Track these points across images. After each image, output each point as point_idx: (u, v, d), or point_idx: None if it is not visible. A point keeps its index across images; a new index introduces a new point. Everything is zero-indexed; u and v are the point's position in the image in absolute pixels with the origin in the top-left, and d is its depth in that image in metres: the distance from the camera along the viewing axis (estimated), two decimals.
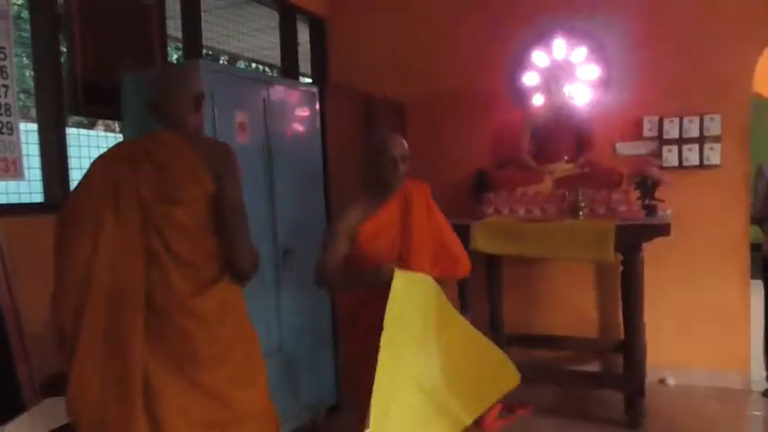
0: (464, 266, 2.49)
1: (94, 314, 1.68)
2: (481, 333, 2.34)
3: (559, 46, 4.06)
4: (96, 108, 3.04)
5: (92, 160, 1.84)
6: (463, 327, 2.30)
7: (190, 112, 1.87)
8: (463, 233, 3.36)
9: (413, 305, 2.08)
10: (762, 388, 3.78)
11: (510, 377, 2.34)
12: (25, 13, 2.93)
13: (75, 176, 2.95)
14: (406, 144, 2.34)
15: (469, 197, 4.01)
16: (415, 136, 4.45)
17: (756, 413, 3.57)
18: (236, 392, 1.80)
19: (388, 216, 2.28)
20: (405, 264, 2.22)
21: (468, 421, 2.23)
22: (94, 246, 1.69)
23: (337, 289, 2.41)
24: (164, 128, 1.86)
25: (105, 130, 5.41)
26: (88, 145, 3.15)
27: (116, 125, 4.48)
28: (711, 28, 3.79)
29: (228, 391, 1.79)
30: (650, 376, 3.80)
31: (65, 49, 2.87)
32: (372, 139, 2.39)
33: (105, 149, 1.88)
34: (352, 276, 2.23)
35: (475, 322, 2.46)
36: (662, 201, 3.57)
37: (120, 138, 3.06)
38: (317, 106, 3.46)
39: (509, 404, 3.55)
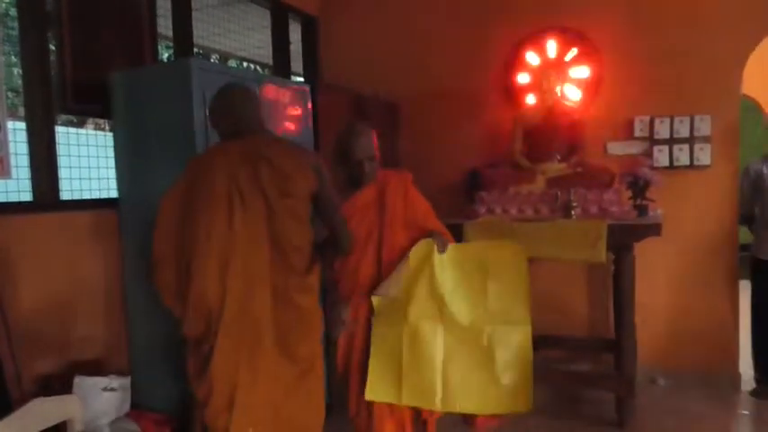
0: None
1: (233, 295, 1.94)
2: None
3: (551, 46, 4.07)
4: (86, 106, 3.01)
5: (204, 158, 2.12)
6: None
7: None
8: (456, 232, 3.36)
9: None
10: (750, 387, 3.80)
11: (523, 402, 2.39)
12: (13, 11, 2.90)
13: (65, 175, 2.92)
14: (372, 138, 2.41)
15: (462, 196, 4.01)
16: (407, 135, 4.45)
17: (745, 412, 3.59)
18: (307, 353, 2.13)
19: (364, 201, 2.40)
20: (381, 240, 2.37)
21: None
22: (231, 231, 1.95)
23: None
24: (253, 134, 2.12)
25: (95, 129, 5.36)
26: (78, 143, 3.11)
27: (106, 124, 4.45)
28: (701, 30, 3.82)
29: (306, 353, 2.11)
30: (641, 376, 3.82)
31: (53, 48, 2.84)
32: (338, 139, 2.44)
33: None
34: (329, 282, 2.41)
35: None
36: (653, 201, 3.59)
37: (110, 136, 3.03)
38: (310, 105, 3.44)
39: None
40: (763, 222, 3.74)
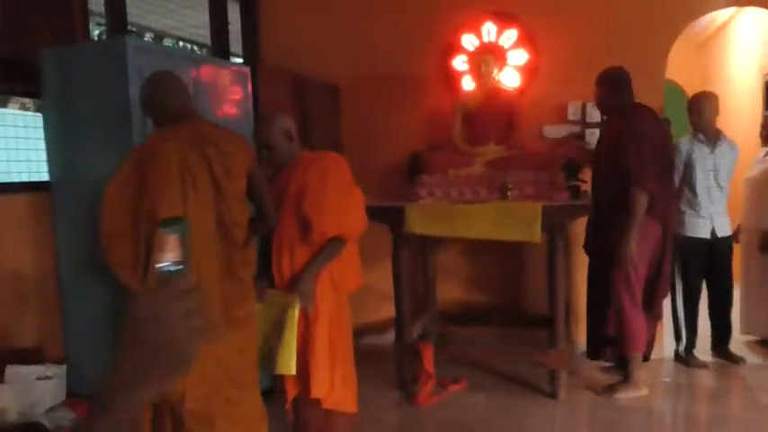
0: (318, 232, 2.41)
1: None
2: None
3: (488, 30, 4.15)
4: (12, 85, 2.88)
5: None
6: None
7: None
8: (397, 215, 3.42)
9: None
10: (671, 357, 4.05)
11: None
12: None
13: None
14: (267, 127, 2.50)
15: (404, 179, 4.06)
16: (349, 118, 4.45)
17: (667, 380, 3.83)
18: (243, 314, 2.29)
19: (279, 182, 2.53)
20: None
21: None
22: (185, 210, 2.09)
23: None
24: (191, 119, 2.24)
25: (20, 108, 5.11)
26: (4, 124, 2.98)
27: (32, 103, 4.24)
28: (630, 18, 3.99)
29: (242, 315, 2.28)
30: (575, 349, 4.01)
31: None
32: None
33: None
34: None
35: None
36: (585, 182, 3.73)
37: (38, 116, 2.90)
38: (249, 88, 3.39)
39: (442, 380, 3.65)
40: (686, 200, 3.93)
